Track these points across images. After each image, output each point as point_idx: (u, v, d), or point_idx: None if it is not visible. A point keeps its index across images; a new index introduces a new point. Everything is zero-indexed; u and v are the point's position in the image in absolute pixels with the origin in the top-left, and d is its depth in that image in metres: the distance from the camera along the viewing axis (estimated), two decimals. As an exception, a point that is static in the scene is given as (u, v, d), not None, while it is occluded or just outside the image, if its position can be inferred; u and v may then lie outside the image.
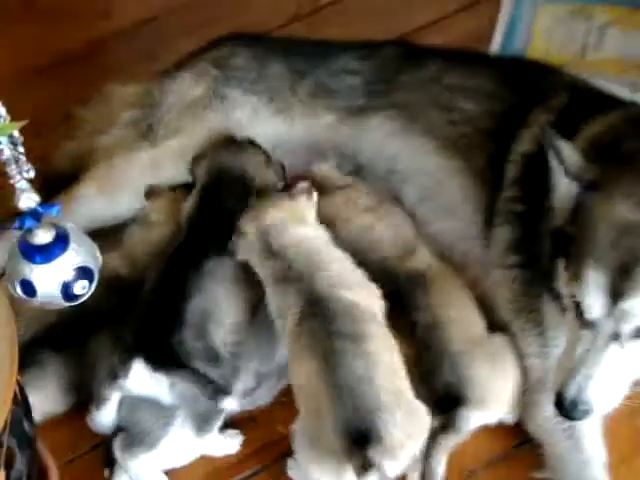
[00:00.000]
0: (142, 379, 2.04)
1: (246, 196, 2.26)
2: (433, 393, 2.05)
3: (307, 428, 1.98)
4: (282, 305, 2.11)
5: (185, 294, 2.14)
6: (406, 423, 1.92)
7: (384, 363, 2.00)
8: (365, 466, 1.84)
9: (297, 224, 2.16)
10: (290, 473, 2.09)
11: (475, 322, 2.16)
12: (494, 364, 2.08)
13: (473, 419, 2.05)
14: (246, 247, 2.15)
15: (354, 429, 1.88)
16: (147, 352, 2.05)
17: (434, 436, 2.03)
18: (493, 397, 2.07)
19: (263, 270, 2.14)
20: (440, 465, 2.05)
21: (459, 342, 2.08)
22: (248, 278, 2.16)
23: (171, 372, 2.03)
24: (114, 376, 2.03)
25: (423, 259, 2.24)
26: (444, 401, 2.05)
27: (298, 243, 2.13)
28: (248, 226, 2.14)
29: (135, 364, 2.03)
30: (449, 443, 2.05)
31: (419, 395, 2.00)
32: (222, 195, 2.29)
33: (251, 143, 2.37)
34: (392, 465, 1.88)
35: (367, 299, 2.11)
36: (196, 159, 2.36)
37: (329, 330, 2.00)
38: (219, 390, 2.03)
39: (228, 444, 2.16)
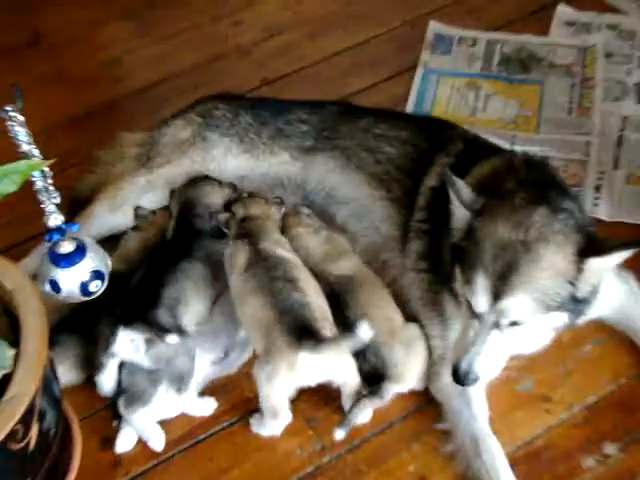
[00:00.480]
0: (125, 344, 2.03)
1: (209, 215, 2.33)
2: (362, 370, 2.07)
3: (261, 361, 2.01)
4: (235, 256, 2.19)
5: (163, 283, 2.17)
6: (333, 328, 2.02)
7: (312, 295, 2.10)
8: (306, 342, 1.94)
9: (265, 216, 2.28)
10: (253, 428, 2.10)
11: (393, 316, 2.15)
12: (408, 349, 2.08)
13: (393, 390, 2.07)
14: (232, 221, 2.27)
15: (297, 331, 1.97)
16: (129, 321, 2.06)
17: (361, 399, 2.05)
18: (407, 374, 2.08)
19: (233, 230, 2.26)
20: (360, 418, 2.06)
21: (380, 334, 2.05)
22: (210, 278, 2.24)
23: (139, 327, 2.05)
24: (107, 345, 2.04)
25: (351, 267, 2.24)
26: (371, 376, 2.06)
27: (260, 221, 2.25)
28: (238, 209, 2.28)
29: (120, 331, 2.03)
30: (373, 405, 2.07)
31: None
32: (190, 218, 2.34)
33: (206, 177, 2.40)
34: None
35: (293, 256, 2.21)
36: (171, 195, 2.41)
37: (270, 275, 2.10)
38: (166, 330, 2.05)
39: (205, 406, 2.15)
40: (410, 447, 2.10)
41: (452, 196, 1.95)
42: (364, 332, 1.95)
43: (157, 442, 2.10)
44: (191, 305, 2.19)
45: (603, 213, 2.51)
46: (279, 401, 2.02)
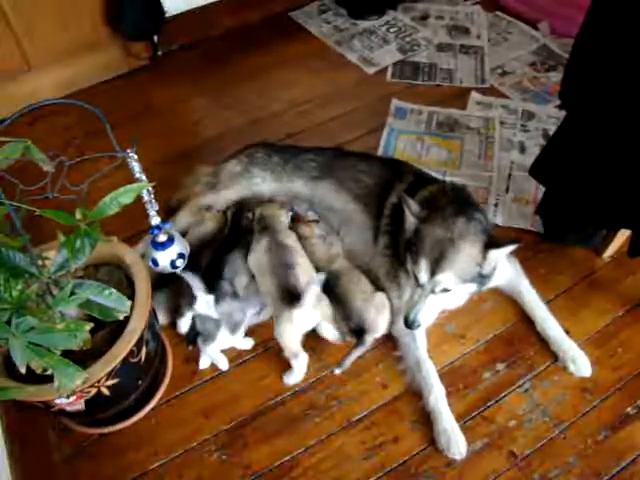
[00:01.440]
0: (202, 304, 2.00)
1: (246, 218, 2.27)
2: (349, 328, 2.02)
3: (275, 323, 1.98)
4: (258, 242, 2.15)
5: (224, 264, 2.11)
6: (314, 292, 1.97)
7: (302, 258, 2.08)
8: (294, 303, 1.92)
9: (277, 215, 2.22)
10: (285, 380, 2.01)
11: (366, 289, 2.08)
12: (377, 310, 2.03)
13: (371, 338, 2.01)
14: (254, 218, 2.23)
15: (291, 298, 1.95)
16: (206, 288, 2.03)
17: (351, 349, 2.01)
18: (379, 326, 2.02)
19: (256, 225, 2.21)
20: (350, 361, 2.01)
21: (359, 302, 2.03)
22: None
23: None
24: (189, 303, 2.00)
25: (340, 264, 2.16)
26: (356, 331, 2.01)
27: (272, 218, 2.20)
28: (257, 210, 2.24)
29: (199, 295, 2.00)
30: (360, 352, 2.01)
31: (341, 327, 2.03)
32: (238, 221, 2.27)
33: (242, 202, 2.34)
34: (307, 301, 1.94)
35: (296, 244, 2.16)
36: (228, 209, 2.33)
37: (277, 260, 2.05)
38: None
39: (247, 343, 2.08)
40: (377, 366, 2.05)
41: (406, 210, 1.91)
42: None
43: (222, 364, 2.04)
44: (241, 277, 2.12)
45: (499, 221, 2.46)
46: (294, 346, 1.97)
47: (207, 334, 2.00)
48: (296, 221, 2.27)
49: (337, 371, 1.99)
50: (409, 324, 1.89)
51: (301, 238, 2.21)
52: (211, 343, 2.00)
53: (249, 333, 2.12)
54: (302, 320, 1.96)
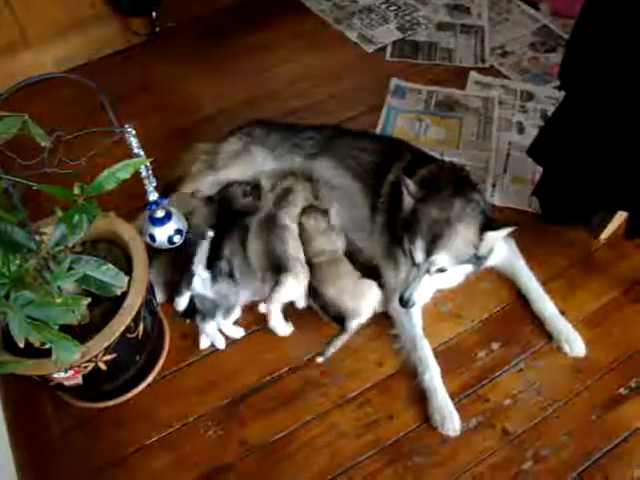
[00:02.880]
0: (199, 282, 2.00)
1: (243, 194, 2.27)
2: (328, 315, 2.04)
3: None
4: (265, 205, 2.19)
5: (223, 242, 2.11)
6: (301, 272, 2.02)
7: (292, 239, 2.10)
8: (277, 283, 1.97)
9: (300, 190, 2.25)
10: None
11: (341, 276, 2.07)
12: (353, 295, 2.02)
13: (353, 325, 2.01)
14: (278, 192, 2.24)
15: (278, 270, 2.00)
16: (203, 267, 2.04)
17: (333, 338, 2.00)
18: (359, 313, 2.01)
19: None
20: (334, 349, 2.00)
21: (330, 288, 2.04)
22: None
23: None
24: (187, 281, 2.00)
25: (323, 258, 2.14)
26: (336, 318, 2.02)
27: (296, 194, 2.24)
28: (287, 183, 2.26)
29: (198, 270, 2.00)
30: (343, 341, 2.01)
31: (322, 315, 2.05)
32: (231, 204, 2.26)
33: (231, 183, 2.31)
34: (293, 283, 1.99)
35: (293, 224, 2.17)
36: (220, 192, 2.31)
37: (271, 235, 2.09)
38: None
39: (237, 332, 2.07)
40: (373, 343, 2.06)
41: (404, 189, 1.90)
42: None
43: (220, 343, 2.05)
44: (236, 258, 2.12)
45: (497, 201, 2.45)
46: (276, 312, 2.01)
47: (206, 312, 2.00)
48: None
49: (320, 359, 1.98)
50: (404, 303, 1.89)
51: (303, 228, 2.20)
52: (210, 321, 2.00)
53: (244, 310, 2.13)
54: (285, 289, 1.99)
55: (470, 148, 2.65)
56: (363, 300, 2.02)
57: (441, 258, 1.82)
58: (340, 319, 2.01)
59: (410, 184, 1.90)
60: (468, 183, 2.01)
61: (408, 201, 1.90)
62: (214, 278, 2.03)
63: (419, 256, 1.85)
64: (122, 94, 2.78)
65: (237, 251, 2.13)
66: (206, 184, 2.33)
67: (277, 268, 2.03)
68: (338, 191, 2.30)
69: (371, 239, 2.20)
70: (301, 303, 2.08)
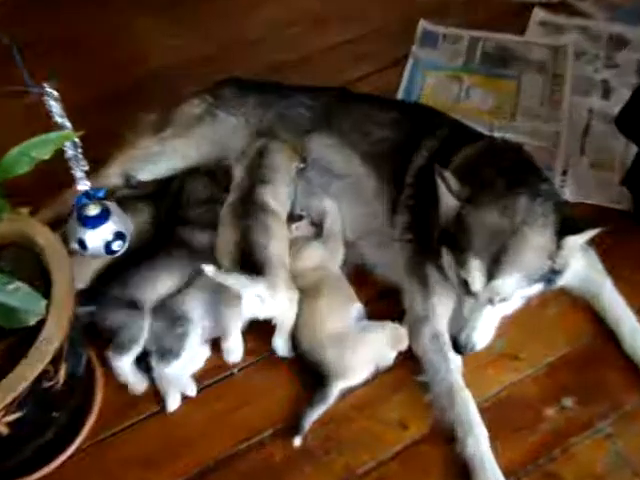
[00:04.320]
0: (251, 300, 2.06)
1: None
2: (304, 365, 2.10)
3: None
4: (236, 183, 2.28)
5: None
6: (281, 274, 2.07)
7: (276, 239, 2.14)
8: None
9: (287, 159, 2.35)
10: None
11: (335, 316, 2.12)
12: (341, 346, 2.05)
13: (334, 390, 2.04)
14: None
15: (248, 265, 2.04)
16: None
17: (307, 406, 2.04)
18: (346, 373, 2.05)
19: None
20: (309, 423, 2.02)
21: (307, 329, 2.10)
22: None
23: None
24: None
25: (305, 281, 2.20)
26: (314, 374, 2.07)
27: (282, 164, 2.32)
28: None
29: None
30: (319, 411, 2.04)
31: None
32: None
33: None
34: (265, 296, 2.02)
35: (282, 211, 2.26)
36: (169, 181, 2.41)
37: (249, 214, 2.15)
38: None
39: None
40: (393, 396, 2.11)
41: (441, 186, 1.91)
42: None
43: (191, 389, 2.11)
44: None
45: (568, 194, 2.52)
46: (232, 324, 2.08)
47: (167, 349, 2.07)
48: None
49: (297, 441, 2.00)
50: (460, 348, 1.94)
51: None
52: (174, 362, 2.07)
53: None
54: (254, 300, 2.03)
55: (531, 119, 2.74)
56: (355, 353, 2.06)
57: (507, 282, 1.84)
58: (320, 376, 2.06)
59: (450, 178, 1.92)
60: (531, 169, 2.06)
61: (449, 205, 1.92)
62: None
63: (476, 283, 1.86)
64: (40, 46, 2.89)
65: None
66: (145, 156, 2.40)
67: (250, 267, 2.06)
68: (341, 181, 2.36)
69: (388, 249, 2.26)
70: (280, 344, 2.13)
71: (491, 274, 1.83)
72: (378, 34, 3.04)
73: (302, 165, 2.36)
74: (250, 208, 2.19)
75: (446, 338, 2.04)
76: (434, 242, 2.00)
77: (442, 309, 2.07)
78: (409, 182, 2.22)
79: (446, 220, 1.93)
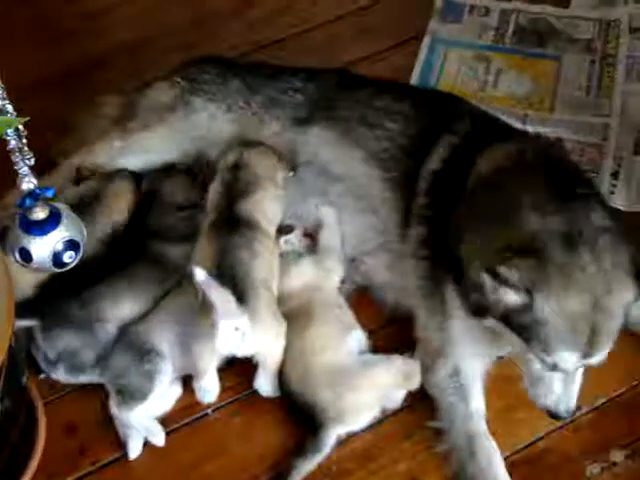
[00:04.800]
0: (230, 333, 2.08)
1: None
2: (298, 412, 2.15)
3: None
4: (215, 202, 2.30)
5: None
6: (266, 302, 2.11)
7: (262, 259, 2.18)
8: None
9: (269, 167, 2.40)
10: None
11: (330, 350, 2.16)
12: (347, 390, 2.08)
13: (328, 439, 2.08)
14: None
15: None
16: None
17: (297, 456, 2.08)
18: (343, 418, 2.09)
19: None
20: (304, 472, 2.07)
21: (299, 364, 2.14)
22: None
23: None
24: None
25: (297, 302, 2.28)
26: (305, 416, 2.12)
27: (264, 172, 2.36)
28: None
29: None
30: (312, 466, 2.08)
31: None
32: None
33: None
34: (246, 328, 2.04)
35: (269, 227, 2.29)
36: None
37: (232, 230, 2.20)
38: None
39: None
40: (401, 445, 2.16)
41: (498, 287, 1.87)
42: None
43: (159, 436, 2.16)
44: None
45: (620, 202, 2.57)
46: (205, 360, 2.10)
47: (132, 390, 2.11)
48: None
49: None
50: (561, 417, 2.00)
51: None
52: (139, 404, 2.11)
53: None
54: (229, 332, 2.05)
55: (574, 110, 2.80)
56: (356, 393, 2.09)
57: (603, 353, 1.92)
58: (313, 422, 2.10)
59: (511, 273, 1.84)
60: (594, 200, 2.04)
61: (510, 300, 1.89)
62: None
63: (570, 365, 1.92)
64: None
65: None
66: (107, 154, 2.45)
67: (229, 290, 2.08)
68: (342, 184, 2.42)
69: (398, 267, 2.33)
70: (263, 384, 2.18)
71: (586, 355, 1.89)
72: (388, 4, 3.11)
73: (290, 174, 2.42)
74: (233, 225, 2.24)
75: (466, 375, 2.11)
76: (469, 311, 2.00)
77: (463, 340, 2.13)
78: (423, 188, 2.28)
79: (505, 309, 1.90)
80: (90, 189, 2.41)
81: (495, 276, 1.84)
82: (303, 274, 2.33)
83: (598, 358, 1.92)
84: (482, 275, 1.86)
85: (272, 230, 2.32)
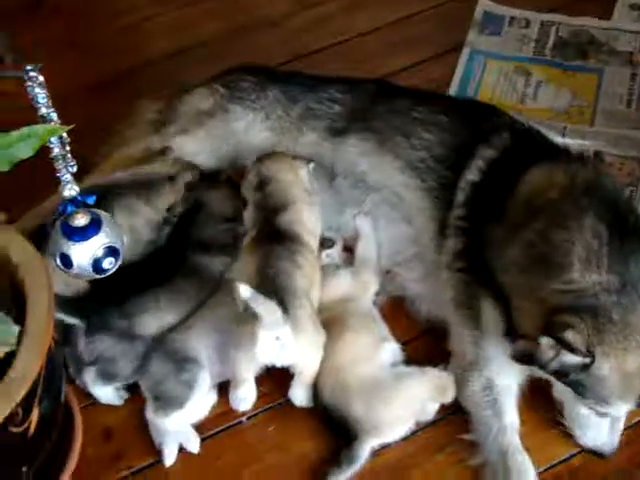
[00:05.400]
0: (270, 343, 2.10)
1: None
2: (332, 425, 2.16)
3: None
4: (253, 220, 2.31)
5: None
6: (307, 312, 2.10)
7: (303, 271, 2.18)
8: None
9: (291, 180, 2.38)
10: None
11: (364, 362, 2.17)
12: (382, 403, 2.09)
13: (363, 451, 2.09)
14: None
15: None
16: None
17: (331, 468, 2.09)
18: (381, 429, 2.10)
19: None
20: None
21: (331, 377, 2.15)
22: None
23: None
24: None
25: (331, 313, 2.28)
26: (338, 428, 2.13)
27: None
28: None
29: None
30: (346, 475, 2.10)
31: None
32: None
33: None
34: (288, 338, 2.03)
35: (310, 238, 2.29)
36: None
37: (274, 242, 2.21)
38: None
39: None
40: (434, 458, 2.16)
41: (561, 353, 1.87)
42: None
43: (194, 443, 2.19)
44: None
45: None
46: (244, 369, 2.11)
47: (169, 398, 2.14)
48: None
49: None
50: (605, 457, 2.04)
51: None
52: (175, 412, 2.14)
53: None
54: (270, 342, 2.06)
55: (615, 123, 2.80)
56: (389, 406, 2.10)
57: None
58: (347, 433, 2.11)
59: (573, 338, 1.84)
60: (634, 217, 2.06)
61: (570, 362, 1.88)
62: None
63: (622, 413, 1.98)
64: (15, 17, 3.01)
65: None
66: (141, 164, 2.45)
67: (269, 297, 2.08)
68: (378, 194, 2.45)
69: (433, 279, 2.34)
70: (299, 395, 2.19)
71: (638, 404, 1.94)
72: (427, 15, 3.14)
73: (311, 165, 2.41)
74: (274, 237, 2.25)
75: (500, 389, 2.12)
76: (511, 356, 1.98)
77: (497, 354, 2.13)
78: (460, 200, 2.30)
79: (565, 368, 1.89)
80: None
81: (557, 340, 1.84)
82: (340, 286, 2.34)
83: None
84: (541, 338, 1.86)
85: (313, 242, 2.32)
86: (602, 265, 1.92)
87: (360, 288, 2.36)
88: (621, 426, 2.03)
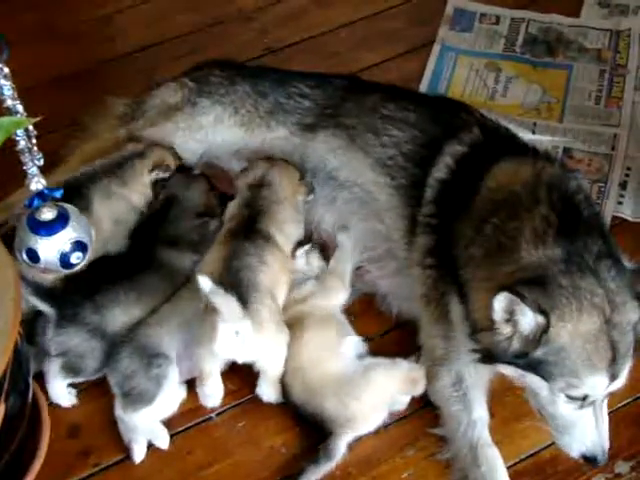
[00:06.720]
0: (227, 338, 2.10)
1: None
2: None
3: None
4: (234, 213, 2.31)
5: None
6: (269, 308, 2.10)
7: (271, 268, 2.19)
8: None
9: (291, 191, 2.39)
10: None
11: (334, 359, 2.19)
12: (352, 397, 2.10)
13: (338, 446, 2.09)
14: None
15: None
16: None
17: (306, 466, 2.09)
18: (355, 423, 2.11)
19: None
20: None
21: (307, 371, 2.16)
22: None
23: None
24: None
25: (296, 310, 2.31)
26: (313, 424, 2.14)
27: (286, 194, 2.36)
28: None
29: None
30: (322, 473, 2.10)
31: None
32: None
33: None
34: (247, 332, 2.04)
35: (285, 242, 2.30)
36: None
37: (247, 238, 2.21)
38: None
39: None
40: (404, 452, 2.17)
41: (516, 310, 1.86)
42: None
43: (163, 439, 2.19)
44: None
45: (627, 212, 2.59)
46: (206, 363, 2.11)
47: (138, 394, 2.13)
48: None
49: None
50: (599, 463, 1.99)
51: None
52: (145, 407, 2.13)
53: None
54: (230, 338, 2.06)
55: (582, 120, 2.82)
56: (361, 400, 2.11)
57: (626, 372, 1.93)
58: (321, 429, 2.12)
59: (529, 308, 1.82)
60: (601, 231, 2.07)
61: (530, 324, 1.88)
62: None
63: (599, 392, 1.93)
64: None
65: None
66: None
67: (231, 290, 2.07)
68: (348, 191, 2.46)
69: (403, 275, 2.36)
70: (266, 391, 2.20)
71: (612, 375, 1.90)
72: (399, 11, 3.14)
73: (309, 197, 2.42)
74: (249, 233, 2.25)
75: (470, 384, 2.14)
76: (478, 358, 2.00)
77: (466, 349, 2.10)
78: (429, 197, 2.31)
79: (521, 343, 1.90)
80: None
81: (509, 291, 1.82)
82: (302, 290, 2.35)
83: (622, 378, 1.93)
84: (495, 299, 1.83)
85: (287, 247, 2.32)
86: (548, 241, 1.94)
87: (323, 292, 2.37)
88: (606, 426, 1.99)
